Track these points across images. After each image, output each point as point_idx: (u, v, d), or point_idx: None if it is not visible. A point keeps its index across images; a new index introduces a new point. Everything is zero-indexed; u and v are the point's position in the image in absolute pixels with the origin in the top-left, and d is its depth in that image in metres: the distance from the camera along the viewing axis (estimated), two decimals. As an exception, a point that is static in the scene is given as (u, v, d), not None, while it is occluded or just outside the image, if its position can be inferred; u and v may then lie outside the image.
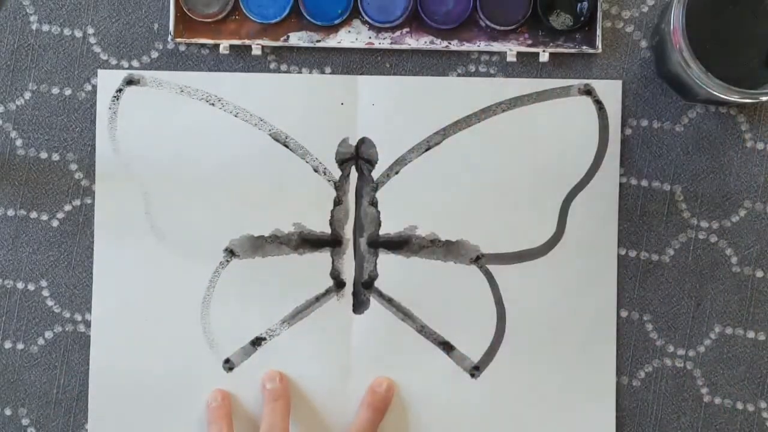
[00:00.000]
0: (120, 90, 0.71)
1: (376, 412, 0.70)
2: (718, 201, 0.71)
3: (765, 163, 0.71)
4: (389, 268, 0.71)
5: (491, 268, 0.71)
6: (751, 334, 0.71)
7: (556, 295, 0.71)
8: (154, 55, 0.71)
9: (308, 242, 0.71)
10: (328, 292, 0.71)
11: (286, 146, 0.71)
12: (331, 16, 0.70)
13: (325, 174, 0.71)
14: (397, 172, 0.71)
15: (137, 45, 0.71)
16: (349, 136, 0.71)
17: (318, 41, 0.71)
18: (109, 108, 0.71)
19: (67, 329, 0.71)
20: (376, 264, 0.71)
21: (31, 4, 0.71)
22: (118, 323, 0.71)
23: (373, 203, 0.71)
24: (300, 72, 0.71)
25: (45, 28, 0.71)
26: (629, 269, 0.71)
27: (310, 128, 0.71)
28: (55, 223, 0.71)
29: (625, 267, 0.71)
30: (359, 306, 0.71)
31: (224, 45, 0.70)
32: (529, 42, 0.71)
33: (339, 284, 0.71)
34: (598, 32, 0.70)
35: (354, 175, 0.71)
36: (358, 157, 0.71)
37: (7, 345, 0.71)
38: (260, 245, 0.71)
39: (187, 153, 0.71)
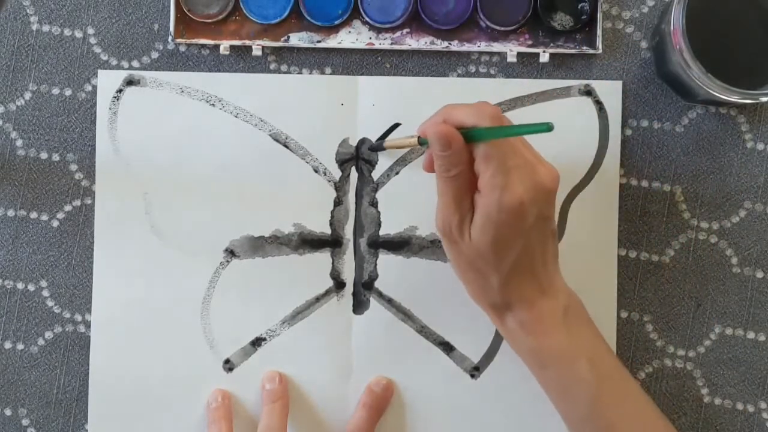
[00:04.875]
0: (120, 90, 0.71)
1: (373, 411, 0.70)
2: (719, 201, 0.71)
3: (765, 164, 0.71)
4: (389, 268, 0.71)
5: (491, 268, 0.71)
6: (751, 335, 0.71)
7: (556, 296, 0.70)
8: (155, 55, 0.71)
9: (308, 243, 0.71)
10: (328, 292, 0.71)
11: (286, 146, 0.71)
12: (332, 17, 0.70)
13: (325, 174, 0.71)
14: (397, 173, 0.71)
15: (137, 45, 0.71)
16: (350, 137, 0.71)
17: (318, 42, 0.71)
18: (110, 108, 0.71)
19: (67, 329, 0.71)
20: (376, 264, 0.71)
21: (32, 5, 0.71)
22: (118, 323, 0.71)
23: (374, 204, 0.71)
24: (300, 72, 0.71)
25: (45, 28, 0.71)
26: (629, 270, 0.71)
27: (310, 128, 0.71)
28: (55, 223, 0.71)
29: (625, 267, 0.71)
30: (359, 306, 0.71)
31: (224, 45, 0.70)
32: (530, 42, 0.71)
33: (339, 284, 0.71)
34: (599, 33, 0.70)
35: (354, 175, 0.71)
36: (358, 157, 0.71)
37: (7, 345, 0.71)
38: (260, 245, 0.71)
39: (188, 153, 0.71)
